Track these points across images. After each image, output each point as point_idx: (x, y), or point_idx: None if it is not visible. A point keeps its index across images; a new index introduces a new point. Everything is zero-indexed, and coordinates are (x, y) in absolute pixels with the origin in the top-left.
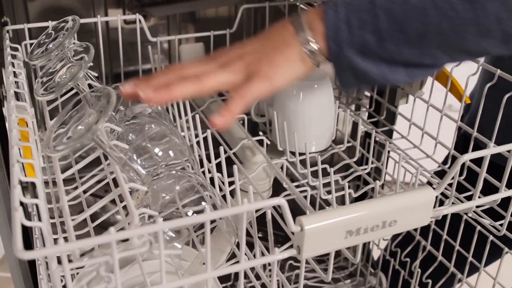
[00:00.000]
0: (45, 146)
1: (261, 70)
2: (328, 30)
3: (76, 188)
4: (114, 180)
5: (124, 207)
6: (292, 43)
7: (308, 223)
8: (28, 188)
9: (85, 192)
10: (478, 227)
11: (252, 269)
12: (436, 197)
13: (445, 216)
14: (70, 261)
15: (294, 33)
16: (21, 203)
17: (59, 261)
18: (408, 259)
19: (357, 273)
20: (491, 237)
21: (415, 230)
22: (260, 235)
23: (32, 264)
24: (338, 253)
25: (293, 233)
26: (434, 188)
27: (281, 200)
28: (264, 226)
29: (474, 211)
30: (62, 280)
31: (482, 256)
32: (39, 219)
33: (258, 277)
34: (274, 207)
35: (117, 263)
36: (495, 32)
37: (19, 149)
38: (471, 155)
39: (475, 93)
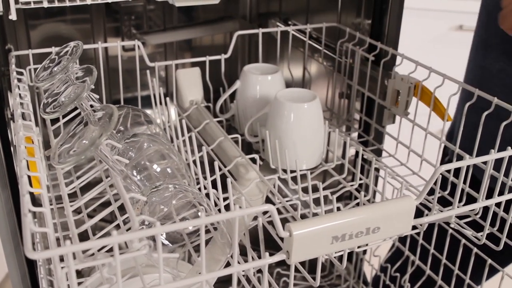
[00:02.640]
0: (52, 159)
1: None
2: None
3: (77, 211)
4: (114, 198)
5: (124, 222)
6: None
7: (297, 229)
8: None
9: (85, 208)
10: (463, 240)
11: (248, 281)
12: (422, 211)
13: (432, 230)
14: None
15: None
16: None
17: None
18: (398, 274)
19: None
20: (475, 250)
21: (404, 245)
22: (255, 253)
23: (34, 280)
24: (331, 271)
25: (282, 240)
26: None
27: (270, 206)
28: (256, 243)
29: (457, 223)
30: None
31: (468, 269)
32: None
33: (249, 281)
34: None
35: (119, 264)
36: None
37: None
38: (448, 166)
39: (457, 113)
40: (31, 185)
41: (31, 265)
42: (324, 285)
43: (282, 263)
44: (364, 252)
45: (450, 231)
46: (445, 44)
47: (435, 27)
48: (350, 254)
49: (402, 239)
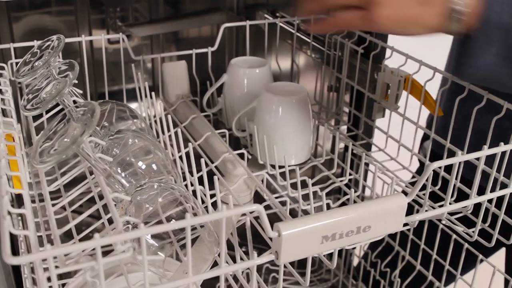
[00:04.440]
0: (32, 158)
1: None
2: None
3: (62, 207)
4: (99, 195)
5: (109, 220)
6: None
7: (285, 229)
8: (14, 202)
9: (70, 205)
10: (454, 236)
11: (236, 280)
12: (413, 206)
13: (422, 226)
14: (56, 267)
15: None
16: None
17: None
18: (388, 269)
19: (339, 285)
20: (466, 245)
21: (394, 240)
22: (243, 249)
23: (18, 278)
24: (320, 266)
25: (271, 239)
26: (406, 195)
27: (258, 207)
28: (245, 239)
29: (448, 219)
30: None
31: (459, 264)
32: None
33: (237, 279)
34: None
35: (102, 268)
36: None
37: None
38: (441, 162)
39: (446, 106)
40: (12, 185)
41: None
42: (313, 280)
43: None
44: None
45: (441, 226)
46: (435, 37)
47: None
48: (340, 249)
49: (392, 234)
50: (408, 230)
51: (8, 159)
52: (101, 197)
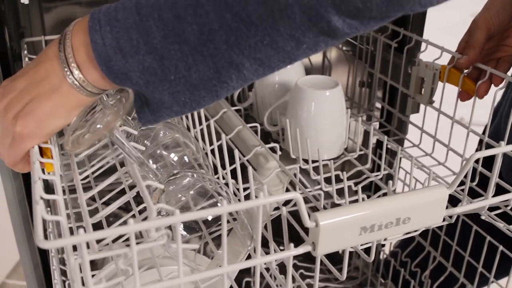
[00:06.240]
0: (65, 145)
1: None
2: (100, 64)
3: (91, 198)
4: (130, 186)
5: (140, 212)
6: (61, 86)
7: (323, 219)
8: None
9: (100, 197)
10: (488, 238)
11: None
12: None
13: (455, 226)
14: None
15: (62, 73)
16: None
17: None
18: (418, 269)
19: (368, 283)
20: (501, 247)
21: (425, 239)
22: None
23: (47, 270)
24: (348, 263)
25: (306, 233)
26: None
27: (296, 194)
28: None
29: (488, 215)
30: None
31: (493, 267)
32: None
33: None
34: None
35: (136, 255)
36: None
37: (40, 148)
38: (484, 152)
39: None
40: (44, 172)
41: (44, 254)
42: None
43: (300, 254)
44: (383, 244)
45: (475, 227)
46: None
47: (456, 14)
48: (369, 248)
49: (424, 233)
50: (440, 230)
51: (41, 146)
52: (131, 188)
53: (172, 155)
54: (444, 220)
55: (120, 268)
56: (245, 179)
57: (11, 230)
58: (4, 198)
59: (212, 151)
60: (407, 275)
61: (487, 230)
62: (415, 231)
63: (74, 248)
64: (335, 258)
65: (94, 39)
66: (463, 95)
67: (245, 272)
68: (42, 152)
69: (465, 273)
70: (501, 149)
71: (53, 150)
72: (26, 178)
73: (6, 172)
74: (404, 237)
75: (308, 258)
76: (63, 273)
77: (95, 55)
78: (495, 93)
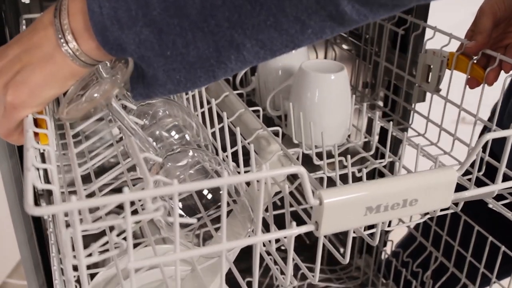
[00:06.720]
0: (60, 112)
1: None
2: (96, 34)
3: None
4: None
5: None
6: (55, 55)
7: (328, 197)
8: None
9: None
10: (490, 238)
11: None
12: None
13: (457, 226)
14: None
15: (56, 42)
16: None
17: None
18: (420, 270)
19: (369, 283)
20: (503, 248)
21: (427, 240)
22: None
23: (47, 270)
24: (350, 263)
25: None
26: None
27: (300, 168)
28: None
29: (495, 205)
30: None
31: (495, 268)
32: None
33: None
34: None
35: (130, 226)
36: None
37: (34, 119)
38: (495, 134)
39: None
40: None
41: (45, 254)
42: (342, 277)
43: (301, 254)
44: (385, 244)
45: (477, 228)
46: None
47: (457, 14)
48: (370, 247)
49: (426, 233)
50: (442, 230)
51: (36, 117)
52: (134, 184)
53: (173, 133)
54: (450, 208)
55: (114, 240)
56: (246, 163)
57: (12, 230)
58: (5, 195)
59: (213, 133)
60: (409, 275)
61: (489, 230)
62: (421, 217)
63: (67, 224)
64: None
65: (91, 7)
66: (472, 82)
67: (247, 272)
68: (37, 123)
69: (467, 273)
70: None
71: (48, 121)
72: (22, 157)
73: (2, 151)
74: (411, 223)
75: (309, 258)
76: (64, 273)
77: (92, 24)
78: (505, 80)
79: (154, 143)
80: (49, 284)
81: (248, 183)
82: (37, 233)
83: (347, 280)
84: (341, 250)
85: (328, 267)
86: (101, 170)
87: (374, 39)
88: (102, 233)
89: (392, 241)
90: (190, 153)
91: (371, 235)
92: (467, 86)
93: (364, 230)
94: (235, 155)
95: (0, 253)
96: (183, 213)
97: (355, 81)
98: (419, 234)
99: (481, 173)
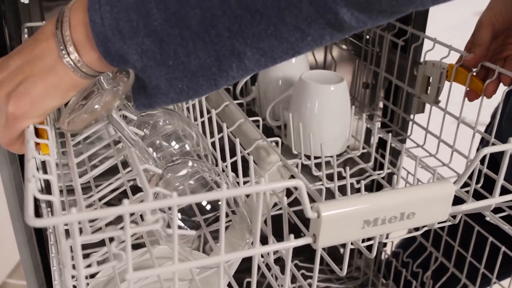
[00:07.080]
0: (61, 123)
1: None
2: (98, 45)
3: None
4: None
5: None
6: (56, 66)
7: (325, 210)
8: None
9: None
10: (490, 238)
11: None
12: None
13: (457, 227)
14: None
15: (58, 53)
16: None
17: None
18: (420, 270)
19: (369, 283)
20: (503, 248)
21: (427, 240)
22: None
23: (47, 270)
24: (349, 263)
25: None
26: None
27: (298, 182)
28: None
29: (493, 217)
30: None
31: (495, 268)
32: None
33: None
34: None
35: (130, 238)
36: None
37: (36, 129)
38: (492, 148)
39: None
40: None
41: (44, 255)
42: (342, 277)
43: (301, 254)
44: (385, 244)
45: (477, 228)
46: (468, 31)
47: (459, 13)
48: (370, 245)
49: (426, 234)
50: (442, 230)
51: (38, 127)
52: (133, 190)
53: (173, 143)
54: (447, 220)
55: (113, 252)
56: (245, 173)
57: (12, 230)
58: (4, 198)
59: (213, 143)
60: (409, 275)
61: (489, 230)
62: (417, 230)
63: (67, 234)
64: (335, 254)
65: (93, 19)
66: (471, 95)
67: (246, 272)
68: (38, 133)
69: (467, 274)
70: (510, 145)
71: (49, 131)
72: (23, 164)
73: (3, 158)
74: (407, 236)
75: (309, 258)
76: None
77: (93, 35)
78: (504, 93)
79: (154, 154)
80: (48, 284)
81: (247, 195)
82: (37, 234)
83: (347, 280)
84: (341, 250)
85: (328, 267)
86: (101, 173)
87: (375, 39)
88: (102, 242)
89: (392, 241)
90: (190, 164)
91: (369, 247)
92: (466, 99)
93: (362, 242)
94: (235, 164)
95: (0, 253)
96: (182, 224)
97: (355, 82)
98: (420, 235)
99: (479, 185)
